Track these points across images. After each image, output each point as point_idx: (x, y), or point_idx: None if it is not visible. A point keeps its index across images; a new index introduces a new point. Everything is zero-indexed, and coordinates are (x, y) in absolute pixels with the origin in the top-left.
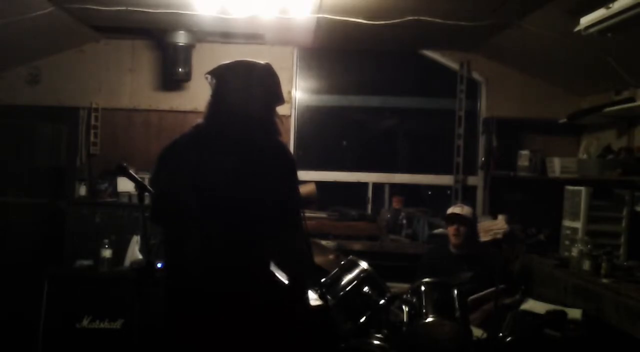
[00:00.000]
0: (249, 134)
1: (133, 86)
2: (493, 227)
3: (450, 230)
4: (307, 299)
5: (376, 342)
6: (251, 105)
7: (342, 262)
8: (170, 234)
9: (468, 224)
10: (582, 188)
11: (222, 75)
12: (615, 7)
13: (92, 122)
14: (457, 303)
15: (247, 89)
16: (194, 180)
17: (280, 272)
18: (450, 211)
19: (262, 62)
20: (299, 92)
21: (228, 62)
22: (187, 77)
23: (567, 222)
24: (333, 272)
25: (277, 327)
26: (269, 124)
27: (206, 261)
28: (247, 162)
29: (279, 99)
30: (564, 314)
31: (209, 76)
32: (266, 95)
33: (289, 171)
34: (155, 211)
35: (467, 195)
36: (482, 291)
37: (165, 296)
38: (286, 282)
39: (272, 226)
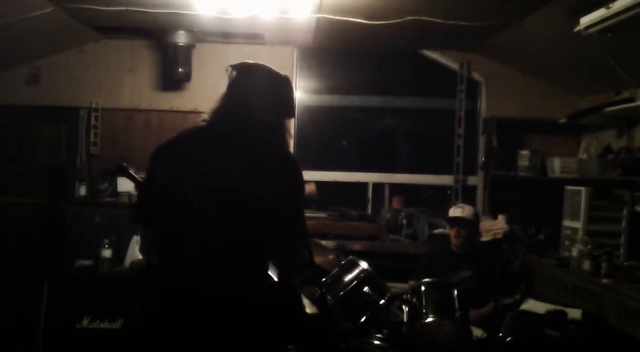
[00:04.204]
0: (259, 138)
1: (133, 86)
2: (493, 227)
3: (452, 232)
4: (299, 299)
5: (376, 342)
6: (265, 110)
7: (342, 262)
8: (167, 231)
9: (469, 226)
10: (582, 188)
11: (245, 72)
12: (615, 7)
13: (92, 122)
14: (457, 303)
15: (265, 93)
16: (197, 177)
17: (273, 271)
18: (451, 213)
19: (282, 73)
20: (299, 92)
21: (252, 62)
22: (187, 77)
23: (567, 222)
24: (333, 272)
25: (273, 328)
26: (280, 133)
27: (204, 260)
28: (253, 164)
29: (290, 112)
30: (564, 314)
31: (229, 68)
32: (280, 105)
33: (295, 179)
34: (146, 208)
35: (467, 195)
36: (480, 290)
37: (158, 293)
38: (275, 278)
39: (274, 229)
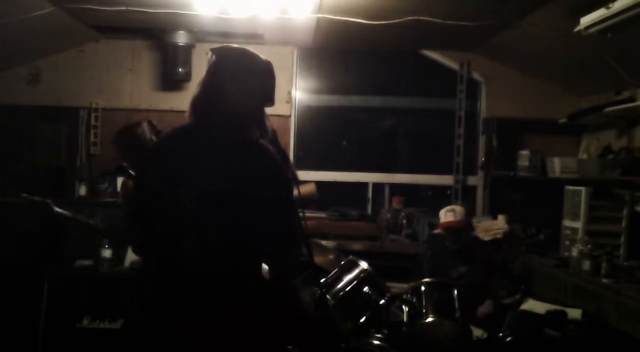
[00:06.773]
0: (243, 132)
1: (133, 86)
2: (493, 227)
3: (447, 238)
4: (295, 296)
5: (376, 342)
6: (245, 99)
7: (342, 262)
8: (164, 232)
9: (462, 228)
10: (582, 188)
11: (225, 58)
12: (615, 7)
13: (92, 122)
14: (457, 303)
15: (245, 81)
16: (190, 182)
17: (271, 271)
18: (443, 219)
19: (264, 58)
20: (299, 92)
21: (234, 46)
22: (187, 77)
23: (567, 222)
24: (333, 272)
25: (273, 328)
26: (261, 123)
27: (203, 260)
28: (241, 162)
29: (270, 100)
30: (564, 314)
31: (210, 53)
32: (261, 94)
33: (280, 176)
34: (142, 210)
35: (467, 195)
36: (478, 285)
37: (158, 294)
38: (274, 278)
39: (269, 228)
